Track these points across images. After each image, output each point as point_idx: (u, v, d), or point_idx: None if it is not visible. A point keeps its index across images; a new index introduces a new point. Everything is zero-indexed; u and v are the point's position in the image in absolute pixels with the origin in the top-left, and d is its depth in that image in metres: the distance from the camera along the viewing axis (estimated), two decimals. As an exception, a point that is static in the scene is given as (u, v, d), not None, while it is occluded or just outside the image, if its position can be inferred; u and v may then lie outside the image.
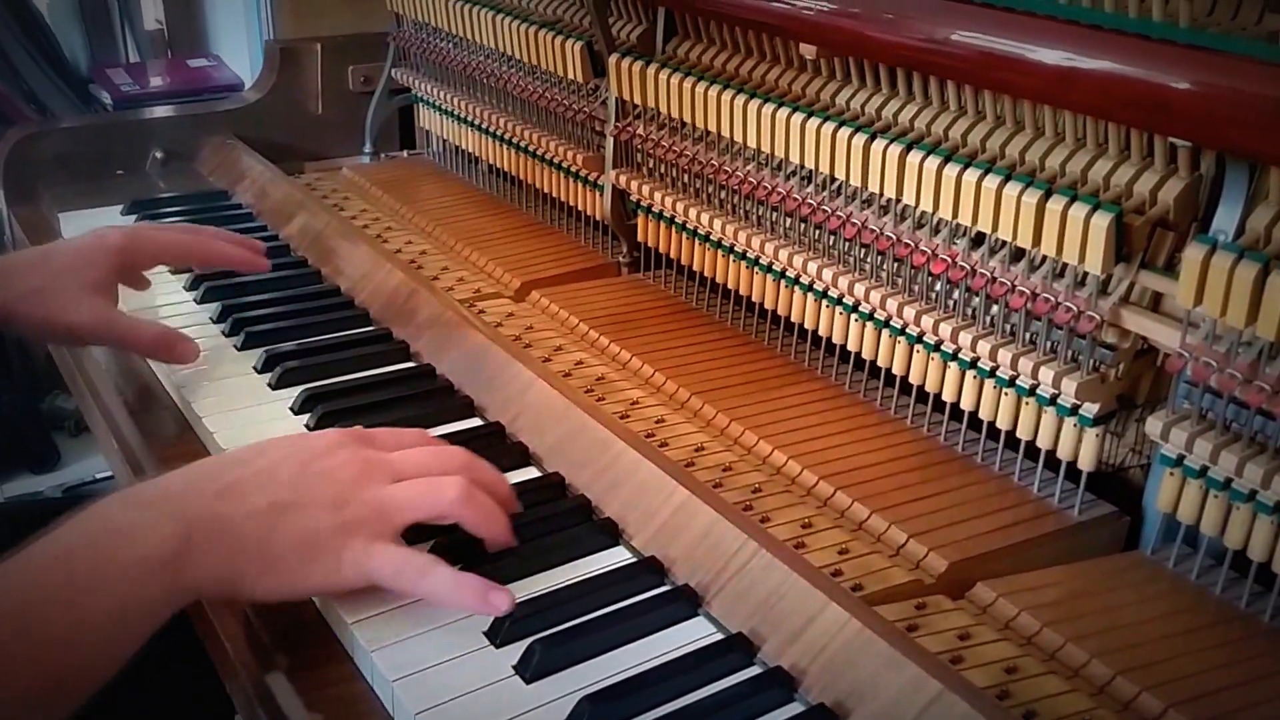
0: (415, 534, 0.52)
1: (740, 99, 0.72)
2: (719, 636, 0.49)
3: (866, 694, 0.45)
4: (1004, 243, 0.59)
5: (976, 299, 0.62)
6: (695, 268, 0.82)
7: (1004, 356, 0.60)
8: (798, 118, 0.68)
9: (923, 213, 0.63)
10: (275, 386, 0.71)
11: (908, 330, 0.66)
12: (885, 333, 0.68)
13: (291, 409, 0.68)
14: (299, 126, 1.19)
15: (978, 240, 0.61)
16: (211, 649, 0.55)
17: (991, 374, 0.62)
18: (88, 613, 0.44)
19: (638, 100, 0.81)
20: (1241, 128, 0.47)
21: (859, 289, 0.67)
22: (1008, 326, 0.61)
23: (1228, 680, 0.50)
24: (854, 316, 0.70)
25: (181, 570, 0.46)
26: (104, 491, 0.50)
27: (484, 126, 1.02)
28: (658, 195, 0.82)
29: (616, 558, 0.55)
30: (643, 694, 0.46)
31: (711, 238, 0.79)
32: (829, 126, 0.66)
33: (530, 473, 0.62)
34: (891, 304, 0.65)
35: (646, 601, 0.51)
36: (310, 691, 0.48)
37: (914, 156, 0.61)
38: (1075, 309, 0.56)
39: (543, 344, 0.77)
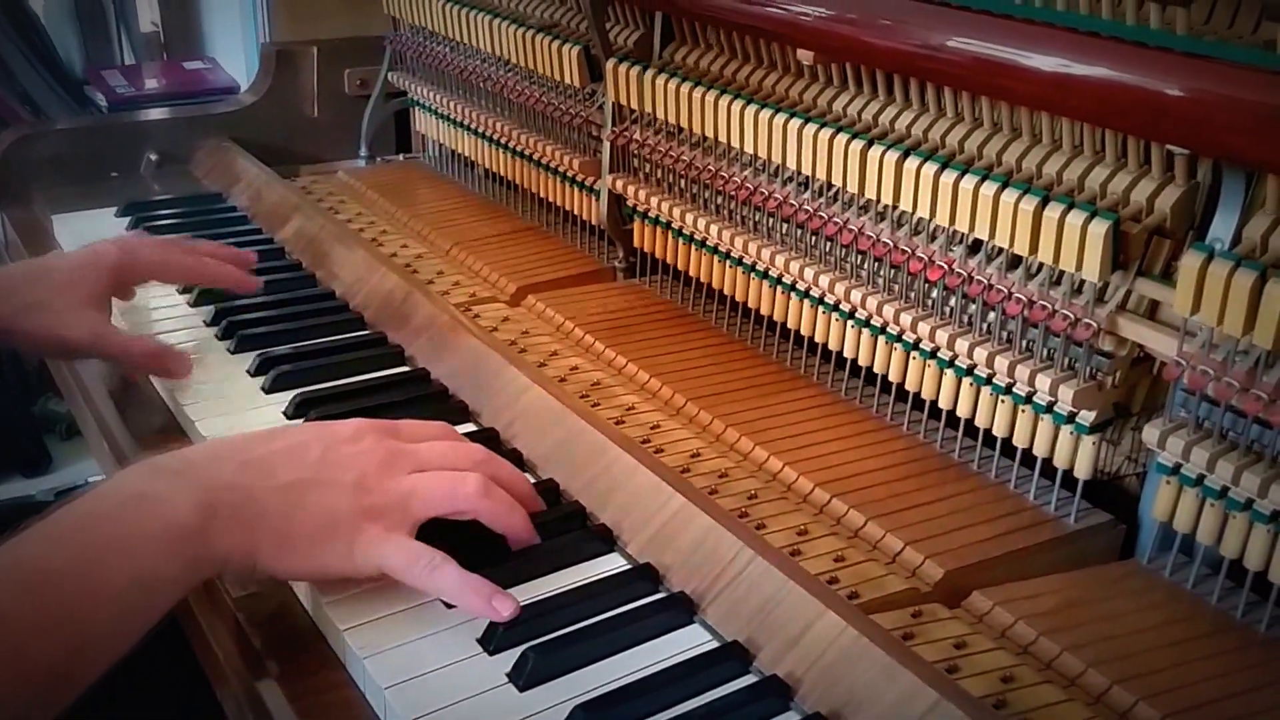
0: (427, 528, 0.52)
1: (737, 104, 0.72)
2: (714, 644, 0.49)
3: (863, 703, 0.44)
4: (1000, 249, 0.59)
5: (973, 306, 0.62)
6: (691, 273, 0.82)
7: (1000, 364, 0.60)
8: (795, 123, 0.68)
9: (919, 219, 0.63)
10: (269, 390, 0.70)
11: (904, 336, 0.66)
12: (882, 339, 0.68)
13: (285, 413, 0.68)
14: (294, 130, 1.18)
15: (974, 247, 0.61)
16: (202, 654, 0.54)
17: (988, 381, 0.62)
18: (108, 581, 0.43)
19: (635, 105, 0.81)
20: (1238, 135, 0.47)
21: (855, 295, 0.67)
22: (1004, 333, 0.61)
23: (1224, 690, 0.50)
24: (850, 322, 0.69)
25: (204, 541, 0.46)
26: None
27: (480, 131, 1.02)
28: (654, 200, 0.82)
29: (611, 564, 0.54)
30: (637, 702, 0.45)
31: (708, 243, 0.79)
32: (826, 132, 0.66)
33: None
34: (888, 310, 0.65)
35: (641, 609, 0.51)
36: (302, 698, 0.48)
37: (911, 163, 0.61)
38: (1072, 316, 0.56)
39: (538, 349, 0.77)
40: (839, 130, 0.66)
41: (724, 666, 0.48)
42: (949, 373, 0.64)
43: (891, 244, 0.65)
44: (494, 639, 0.48)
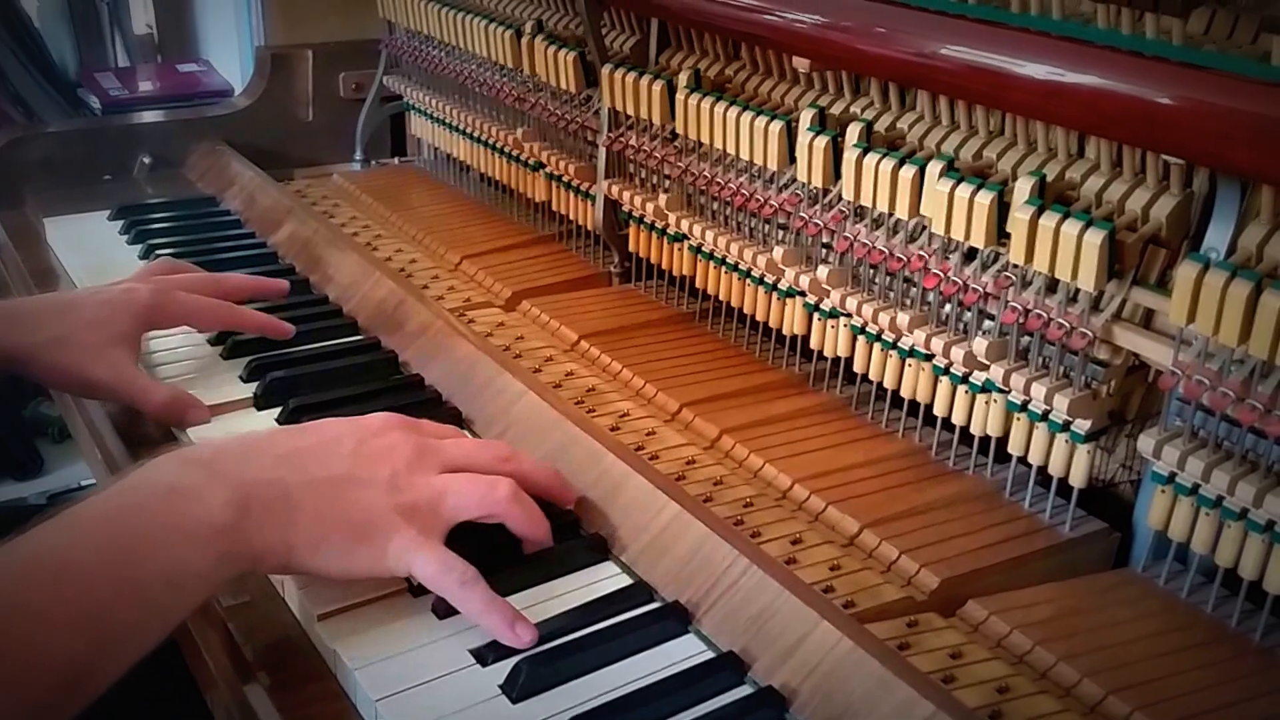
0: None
1: (733, 111, 0.71)
2: (710, 655, 0.49)
3: (859, 714, 0.44)
4: (996, 256, 0.59)
5: (969, 313, 0.62)
6: (687, 277, 0.82)
7: (996, 372, 0.60)
8: (776, 125, 0.68)
9: (915, 226, 0.63)
10: (262, 396, 0.70)
11: (900, 344, 0.66)
12: (877, 346, 0.67)
13: (278, 420, 0.67)
14: (289, 133, 1.18)
15: (970, 255, 0.61)
16: (193, 664, 0.54)
17: (983, 389, 0.62)
18: (135, 576, 0.42)
19: (630, 111, 0.80)
20: (1234, 145, 0.47)
21: (851, 302, 0.67)
22: (1001, 339, 0.61)
23: (1219, 700, 0.50)
24: (845, 329, 0.69)
25: (238, 537, 0.45)
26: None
27: (476, 135, 1.02)
28: (649, 206, 0.82)
29: (606, 573, 0.54)
30: (632, 714, 0.45)
31: (704, 249, 0.79)
32: (822, 139, 0.66)
33: (519, 486, 0.61)
34: (884, 318, 0.65)
35: (636, 619, 0.51)
36: (292, 710, 0.47)
37: (907, 170, 0.61)
38: (1068, 325, 0.56)
39: (533, 354, 0.76)
40: (835, 137, 0.65)
41: (719, 677, 0.47)
42: (945, 380, 0.64)
43: (888, 252, 0.64)
44: (487, 651, 0.48)
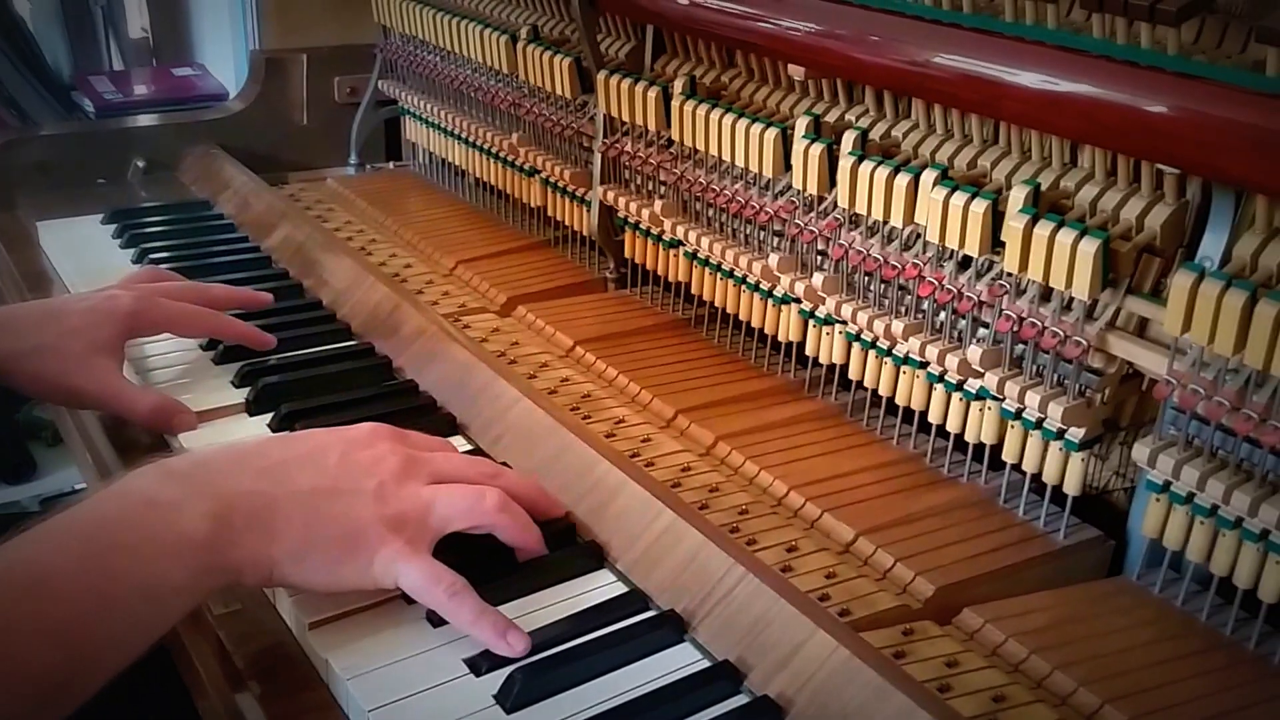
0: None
1: (728, 118, 0.71)
2: (705, 664, 0.49)
3: (854, 724, 0.44)
4: (990, 264, 0.59)
5: (963, 321, 0.62)
6: (682, 283, 0.82)
7: (990, 380, 0.60)
8: (771, 131, 0.68)
9: (909, 234, 0.63)
10: (254, 401, 0.69)
11: (894, 350, 0.66)
12: (872, 353, 0.67)
13: (270, 426, 0.67)
14: (283, 137, 1.18)
15: (964, 263, 0.61)
16: (184, 672, 0.54)
17: (978, 397, 0.62)
18: (113, 590, 0.42)
19: (626, 117, 0.80)
20: (1229, 155, 0.47)
21: (846, 309, 0.67)
22: (995, 347, 0.61)
23: (1214, 708, 0.50)
24: (840, 336, 0.69)
25: (217, 550, 0.45)
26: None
27: (471, 140, 1.02)
28: (645, 212, 0.82)
29: (602, 581, 0.54)
30: (627, 724, 0.45)
31: (699, 255, 0.79)
32: (817, 147, 0.66)
33: (514, 493, 0.61)
34: (879, 325, 0.65)
35: (631, 628, 0.50)
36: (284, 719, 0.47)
37: (902, 178, 0.61)
38: (1062, 334, 0.56)
39: (528, 360, 0.76)
40: (830, 145, 0.65)
41: (715, 687, 0.47)
42: (939, 387, 0.64)
43: (882, 259, 0.64)
44: (481, 660, 0.48)
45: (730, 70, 0.77)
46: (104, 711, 0.45)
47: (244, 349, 0.75)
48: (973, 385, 0.62)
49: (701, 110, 0.73)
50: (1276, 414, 0.49)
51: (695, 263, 0.80)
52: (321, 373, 0.72)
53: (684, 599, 0.51)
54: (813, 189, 0.67)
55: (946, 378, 0.63)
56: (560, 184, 0.91)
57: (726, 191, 0.74)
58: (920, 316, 0.64)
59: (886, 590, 0.55)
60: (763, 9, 0.68)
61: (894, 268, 0.64)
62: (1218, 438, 0.52)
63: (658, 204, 0.80)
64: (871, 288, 0.67)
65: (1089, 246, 0.53)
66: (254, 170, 1.06)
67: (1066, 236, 0.54)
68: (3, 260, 0.95)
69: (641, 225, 0.83)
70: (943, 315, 0.63)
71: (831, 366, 0.71)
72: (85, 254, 0.93)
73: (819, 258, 0.70)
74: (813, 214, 0.69)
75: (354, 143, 1.19)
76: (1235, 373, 0.51)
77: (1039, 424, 0.59)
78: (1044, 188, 0.58)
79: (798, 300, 0.71)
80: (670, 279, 0.83)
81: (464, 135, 1.03)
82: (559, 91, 0.87)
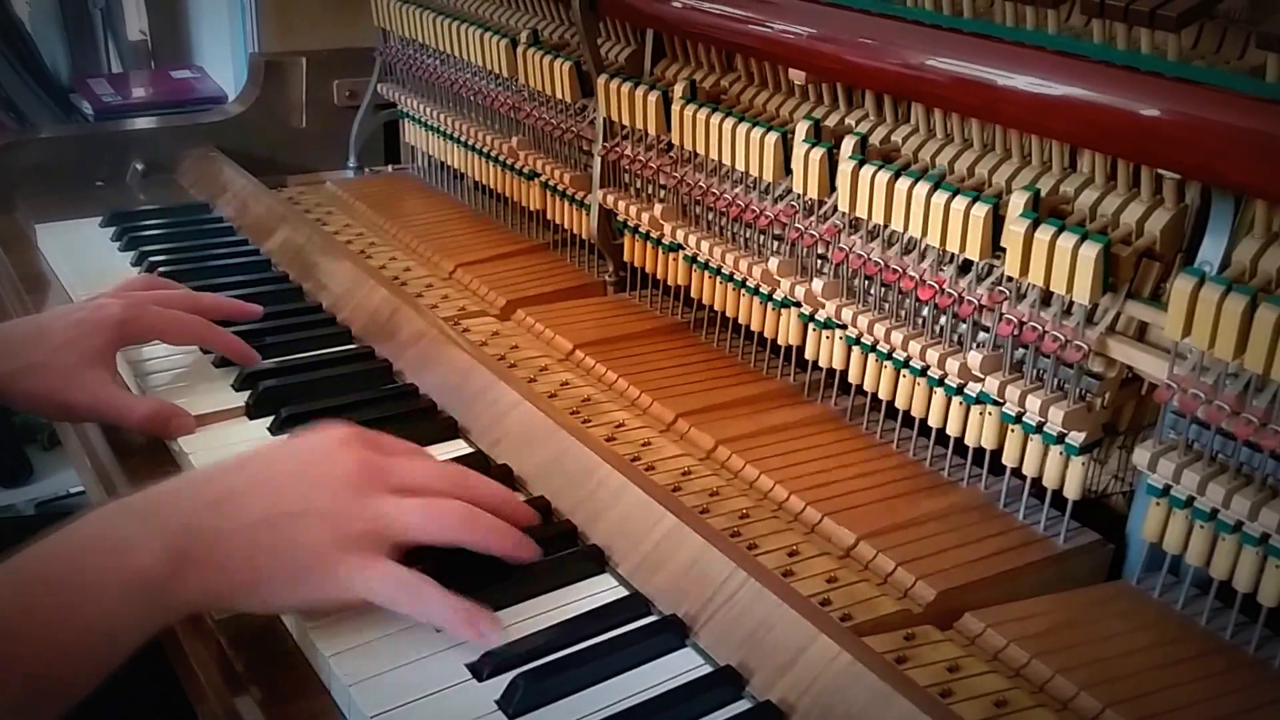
0: (421, 549, 0.51)
1: (728, 122, 0.72)
2: (708, 669, 0.49)
3: (856, 729, 0.44)
4: (990, 269, 0.59)
5: (963, 325, 0.62)
6: (682, 286, 0.82)
7: (991, 384, 0.60)
8: (773, 137, 0.68)
9: (910, 239, 0.63)
10: (254, 405, 0.69)
11: (894, 355, 0.66)
12: (872, 357, 0.68)
13: (270, 429, 0.67)
14: (282, 140, 1.18)
15: (965, 267, 0.61)
16: (184, 677, 0.53)
17: (978, 400, 0.62)
18: (71, 627, 0.42)
19: (626, 121, 0.80)
20: (1228, 160, 0.47)
21: (846, 313, 0.67)
22: (995, 351, 0.61)
23: (1215, 713, 0.50)
24: (841, 340, 0.69)
25: (172, 589, 0.45)
26: (78, 506, 0.49)
27: (470, 143, 1.02)
28: (645, 216, 0.82)
29: (603, 585, 0.54)
30: (629, 729, 0.45)
31: (698, 259, 0.79)
32: (818, 151, 0.66)
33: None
34: (879, 329, 0.65)
35: (633, 633, 0.50)
36: (286, 724, 0.47)
37: (902, 183, 0.61)
38: (1062, 338, 0.56)
39: (528, 364, 0.76)
40: (830, 149, 0.66)
41: (717, 692, 0.47)
42: (939, 391, 0.64)
43: (883, 263, 0.65)
44: (483, 665, 0.48)
45: (730, 74, 0.77)
46: (103, 716, 0.45)
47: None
48: (973, 389, 0.62)
49: (701, 114, 0.73)
50: (1277, 418, 0.49)
51: (695, 266, 0.80)
52: (321, 376, 0.72)
53: (685, 604, 0.51)
54: (813, 193, 0.67)
55: (947, 382, 0.63)
56: (560, 188, 0.91)
57: (726, 195, 0.74)
58: (921, 321, 0.64)
59: (888, 595, 0.55)
60: (760, 13, 0.68)
61: (895, 271, 0.64)
62: (1218, 442, 0.52)
63: (657, 208, 0.80)
64: (872, 291, 0.67)
65: (1090, 251, 0.53)
66: (253, 173, 1.06)
67: (1067, 241, 0.54)
68: (1, 264, 0.95)
69: (641, 229, 0.83)
70: (943, 320, 0.63)
71: (831, 371, 0.71)
72: (84, 257, 0.93)
73: (819, 262, 0.70)
74: (813, 218, 0.69)
75: (353, 146, 1.19)
76: (1235, 377, 0.51)
77: (1039, 428, 0.59)
78: (1044, 193, 0.58)
79: (797, 304, 0.71)
80: (670, 283, 0.83)
81: (463, 139, 1.03)
82: (559, 95, 0.87)
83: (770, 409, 0.73)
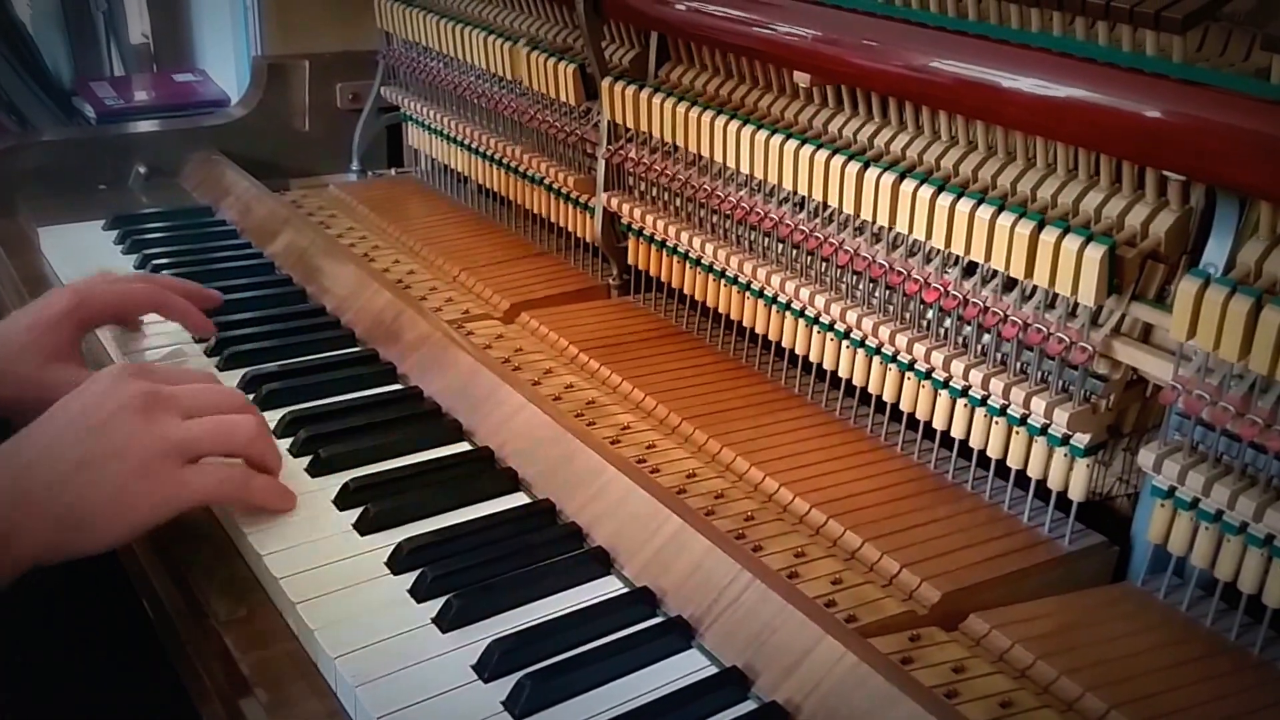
0: (429, 553, 0.54)
1: (734, 124, 0.72)
2: (713, 670, 0.49)
3: (862, 730, 0.44)
4: (996, 272, 0.60)
5: (968, 328, 0.62)
6: (686, 291, 0.82)
7: (996, 386, 0.60)
8: (791, 144, 0.68)
9: (915, 241, 0.63)
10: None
11: (899, 358, 0.66)
12: (877, 360, 0.68)
13: (274, 431, 0.67)
14: (285, 143, 1.18)
15: (970, 269, 0.62)
16: (188, 680, 0.53)
17: (983, 403, 0.62)
18: None
19: (630, 124, 0.81)
20: (1233, 162, 0.47)
21: (851, 316, 0.67)
22: (999, 355, 0.61)
23: (1220, 713, 0.50)
24: (846, 343, 0.69)
25: (9, 552, 0.48)
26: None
27: (474, 146, 1.02)
28: (649, 218, 0.82)
29: (608, 588, 0.54)
30: (636, 730, 0.45)
31: (703, 262, 0.79)
32: (822, 154, 0.66)
33: (520, 499, 0.61)
34: (884, 331, 0.65)
35: (639, 634, 0.50)
36: (292, 726, 0.47)
37: (907, 185, 0.62)
38: (1067, 340, 0.56)
39: (532, 367, 0.76)
40: (836, 152, 0.66)
41: (723, 693, 0.47)
42: (944, 394, 0.64)
43: (888, 266, 0.65)
44: (489, 665, 0.48)
45: (735, 77, 0.77)
46: (105, 718, 0.46)
47: (248, 355, 0.75)
48: (978, 392, 0.62)
49: (706, 116, 0.73)
50: (1282, 420, 0.49)
51: (700, 269, 0.80)
52: (326, 379, 0.72)
53: (691, 605, 0.51)
54: (817, 196, 0.67)
55: (952, 385, 0.63)
56: (564, 190, 0.92)
57: (731, 198, 0.74)
58: (926, 324, 0.64)
59: (893, 596, 0.55)
60: (764, 15, 0.68)
61: (899, 274, 0.64)
62: (1222, 443, 0.53)
63: (662, 210, 0.80)
64: (877, 294, 0.67)
65: (1094, 253, 0.53)
66: (256, 176, 1.06)
67: (1072, 243, 0.54)
68: (4, 266, 0.95)
69: (645, 232, 0.83)
70: (949, 322, 0.63)
71: (836, 374, 0.71)
72: (87, 260, 0.93)
73: (824, 264, 0.70)
74: (817, 220, 0.69)
75: (356, 149, 1.19)
76: (1240, 378, 0.51)
77: (1044, 430, 0.59)
78: (1049, 194, 0.58)
79: (802, 308, 0.71)
80: (674, 286, 0.83)
81: (467, 141, 1.03)
82: (563, 98, 0.87)
83: (775, 412, 0.73)
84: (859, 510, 0.62)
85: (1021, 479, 0.62)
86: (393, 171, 1.22)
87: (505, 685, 0.47)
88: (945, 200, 0.59)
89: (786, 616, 0.48)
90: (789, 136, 0.69)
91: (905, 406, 0.67)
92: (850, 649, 0.46)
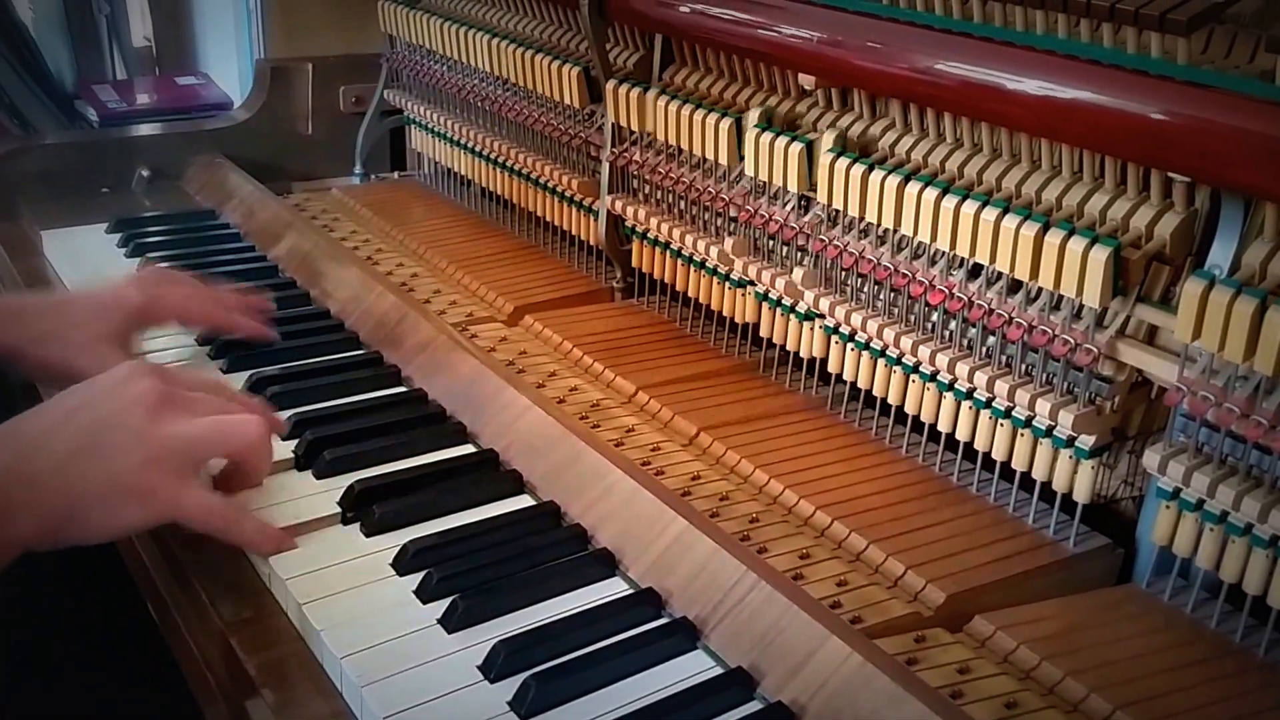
0: (435, 555, 0.53)
1: (738, 127, 0.72)
2: (719, 671, 0.49)
3: (869, 731, 0.44)
4: (1001, 274, 0.60)
5: (973, 330, 0.62)
6: (690, 294, 0.82)
7: (1000, 388, 0.60)
8: (795, 147, 0.68)
9: (920, 243, 0.63)
10: (264, 410, 0.69)
11: (904, 360, 0.66)
12: (881, 362, 0.68)
13: (279, 436, 0.67)
14: (288, 146, 1.18)
15: (975, 271, 0.62)
16: (193, 680, 0.53)
17: (988, 405, 0.62)
18: None
19: (634, 126, 0.81)
20: (1238, 163, 0.47)
21: (856, 318, 0.67)
22: (1004, 358, 0.61)
23: (1224, 715, 0.50)
24: (850, 345, 0.69)
25: (3, 527, 0.48)
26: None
27: (477, 149, 1.02)
28: (653, 221, 0.82)
29: (613, 589, 0.54)
30: (641, 730, 0.45)
31: (707, 265, 0.79)
32: (827, 156, 0.66)
33: (524, 501, 0.61)
34: (889, 334, 0.65)
35: (644, 635, 0.50)
36: (298, 727, 0.47)
37: (912, 188, 0.62)
38: (1072, 342, 0.57)
39: (536, 369, 0.76)
40: (841, 154, 0.66)
41: (728, 694, 0.47)
42: (949, 396, 0.64)
43: (893, 268, 0.65)
44: (495, 666, 0.48)
45: (739, 79, 0.78)
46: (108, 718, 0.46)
47: (252, 357, 0.75)
48: (982, 394, 0.62)
49: (710, 119, 0.73)
50: (1287, 421, 0.49)
51: (704, 272, 0.80)
52: (330, 381, 0.72)
53: (696, 606, 0.51)
54: (822, 198, 0.67)
55: (956, 386, 0.63)
56: (568, 193, 0.92)
57: (736, 200, 0.74)
58: (931, 326, 0.64)
59: (898, 598, 0.55)
60: (768, 17, 0.68)
61: (904, 276, 0.64)
62: (1227, 444, 0.53)
63: (666, 213, 0.80)
64: (882, 297, 0.67)
65: (1100, 254, 0.54)
66: (259, 180, 1.06)
67: (1077, 245, 0.54)
68: (7, 269, 0.95)
69: (649, 234, 0.84)
70: (953, 324, 0.63)
71: (841, 376, 0.71)
72: (90, 263, 0.93)
73: (825, 265, 0.70)
74: (822, 222, 0.69)
75: (359, 152, 1.19)
76: (1245, 379, 0.51)
77: (1049, 432, 0.59)
78: (1054, 196, 0.58)
79: (802, 313, 0.71)
80: (678, 288, 0.83)
81: (470, 144, 1.03)
82: (567, 101, 0.87)
83: (780, 414, 0.73)
84: (864, 512, 0.62)
85: (1026, 481, 0.62)
86: (396, 175, 1.22)
87: (511, 685, 0.47)
88: (950, 203, 0.60)
89: (792, 617, 0.48)
90: (793, 139, 0.69)
91: (910, 409, 0.67)
92: (856, 650, 0.46)
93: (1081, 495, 0.59)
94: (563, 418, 0.65)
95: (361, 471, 0.62)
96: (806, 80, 0.69)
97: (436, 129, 1.08)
